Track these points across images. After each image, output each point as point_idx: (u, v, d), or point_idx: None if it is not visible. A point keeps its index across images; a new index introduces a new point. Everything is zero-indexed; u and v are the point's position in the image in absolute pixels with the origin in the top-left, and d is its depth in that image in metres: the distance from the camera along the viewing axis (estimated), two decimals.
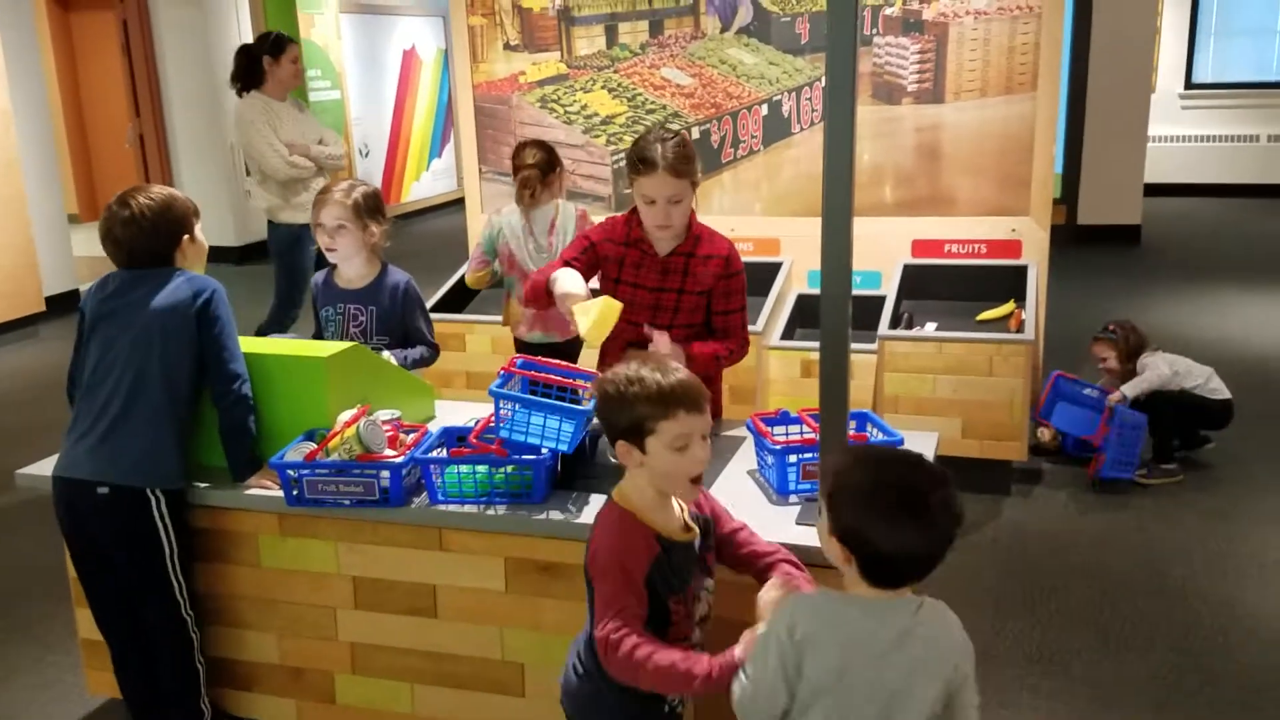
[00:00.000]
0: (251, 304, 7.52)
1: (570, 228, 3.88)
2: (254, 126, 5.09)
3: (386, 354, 3.03)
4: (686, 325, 2.87)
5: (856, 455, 1.80)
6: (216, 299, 2.48)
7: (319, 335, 3.15)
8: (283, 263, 5.29)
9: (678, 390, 1.88)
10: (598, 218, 2.93)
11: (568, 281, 2.66)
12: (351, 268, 3.11)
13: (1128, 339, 4.43)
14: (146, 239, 2.47)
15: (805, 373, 4.22)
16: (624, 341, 2.93)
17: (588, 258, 2.85)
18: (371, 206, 3.07)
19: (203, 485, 2.54)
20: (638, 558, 1.86)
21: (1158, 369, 4.33)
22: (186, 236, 2.55)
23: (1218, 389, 4.36)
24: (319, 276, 3.22)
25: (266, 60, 5.14)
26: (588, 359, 3.19)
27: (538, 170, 3.83)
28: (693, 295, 2.83)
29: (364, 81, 10.57)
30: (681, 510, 1.97)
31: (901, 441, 2.41)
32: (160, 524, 2.44)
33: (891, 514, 1.67)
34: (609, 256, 2.85)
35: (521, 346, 3.92)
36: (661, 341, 2.72)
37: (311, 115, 5.46)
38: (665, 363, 1.94)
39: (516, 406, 2.35)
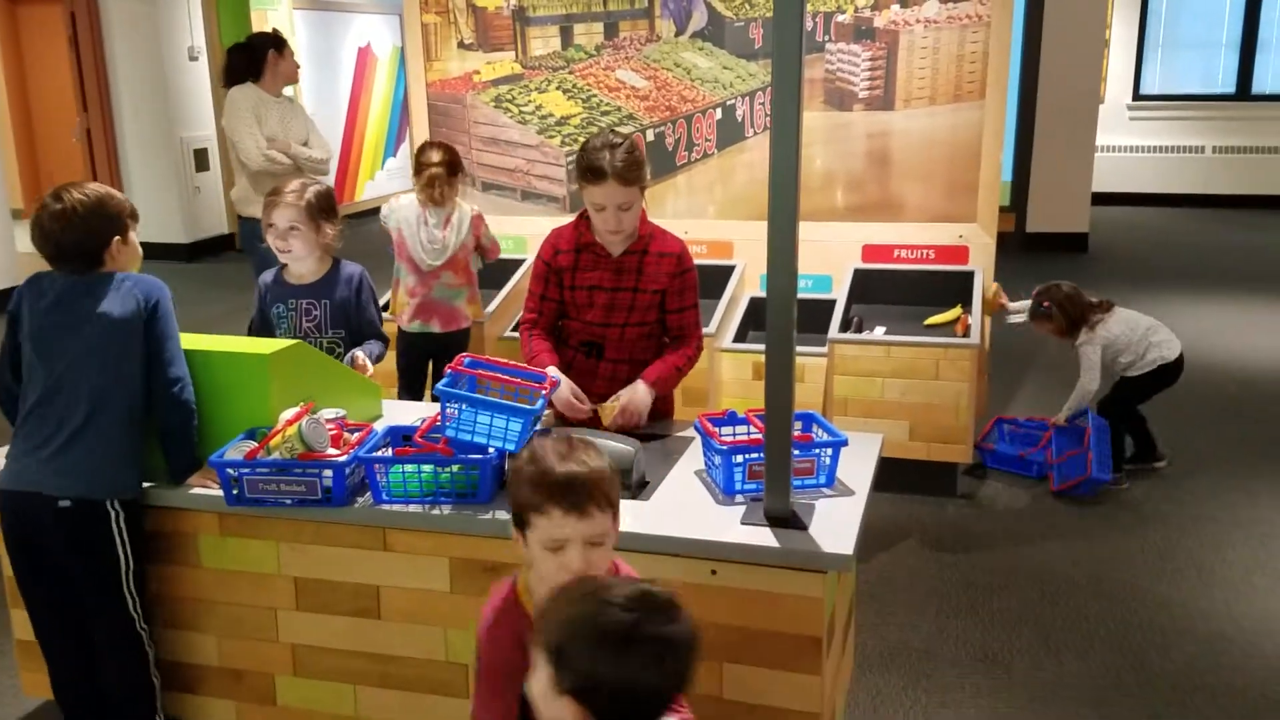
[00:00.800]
0: (202, 302, 7.41)
1: (465, 226, 4.06)
2: (239, 114, 5.12)
3: (360, 354, 3.01)
4: (640, 323, 2.90)
5: (580, 593, 1.49)
6: (164, 305, 2.44)
7: (268, 334, 3.11)
8: (253, 257, 5.23)
9: (562, 484, 1.70)
10: (549, 220, 2.94)
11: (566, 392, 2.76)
12: (304, 266, 3.09)
13: (1061, 308, 4.33)
14: (76, 234, 2.39)
15: (756, 375, 4.25)
16: (578, 341, 2.94)
17: (553, 286, 2.90)
18: (324, 206, 3.05)
19: (144, 485, 2.50)
20: (503, 649, 1.76)
21: (1087, 373, 4.23)
22: (118, 238, 2.46)
23: (1155, 357, 4.24)
24: (267, 275, 3.18)
25: (271, 55, 5.17)
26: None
27: (444, 170, 4.02)
28: (647, 294, 2.86)
29: (318, 79, 10.46)
30: None
31: (846, 442, 2.43)
32: (118, 537, 2.40)
33: (631, 652, 1.41)
34: (564, 267, 2.87)
35: (403, 336, 4.15)
36: (633, 395, 2.78)
37: (305, 117, 5.41)
38: (586, 446, 1.79)
39: (463, 405, 2.34)
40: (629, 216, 2.76)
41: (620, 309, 2.86)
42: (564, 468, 1.73)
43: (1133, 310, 4.43)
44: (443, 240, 4.05)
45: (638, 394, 2.79)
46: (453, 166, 4.07)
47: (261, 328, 3.18)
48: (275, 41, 5.24)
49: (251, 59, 5.20)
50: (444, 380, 2.41)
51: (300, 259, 3.06)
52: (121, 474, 2.41)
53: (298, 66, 5.41)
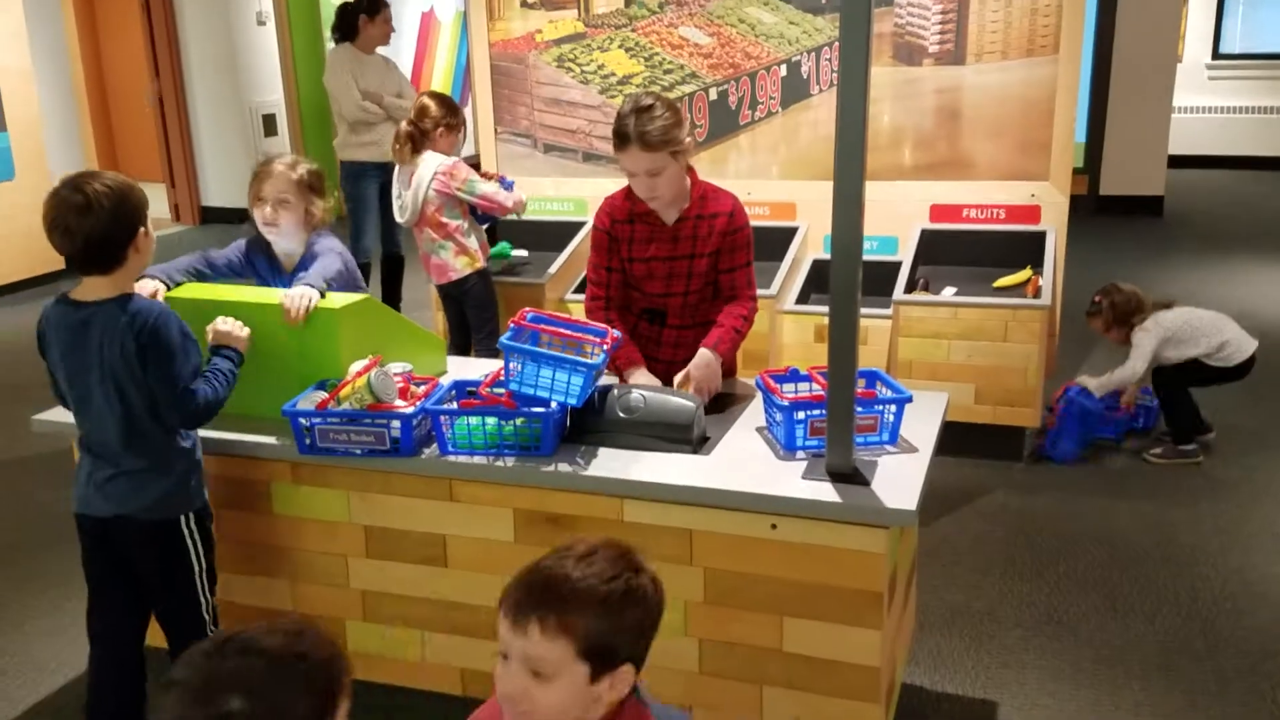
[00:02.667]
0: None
1: (426, 183, 4.15)
2: (336, 73, 5.80)
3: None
4: (702, 288, 2.86)
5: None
6: (164, 336, 2.25)
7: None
8: (347, 195, 5.87)
9: (511, 592, 1.41)
10: (612, 182, 2.91)
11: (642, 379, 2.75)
12: (289, 243, 2.89)
13: (1113, 306, 4.22)
14: (103, 228, 2.21)
15: (819, 337, 4.21)
16: (640, 308, 2.93)
17: (615, 256, 2.84)
18: (315, 184, 2.89)
19: (217, 434, 2.56)
20: None
21: (1135, 359, 4.10)
22: (142, 229, 2.28)
23: (1230, 354, 4.10)
24: (253, 249, 2.94)
25: (362, 19, 5.74)
26: None
27: (410, 127, 4.21)
28: (704, 258, 2.81)
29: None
30: None
31: (910, 398, 2.41)
32: (190, 543, 2.40)
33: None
34: (620, 237, 2.83)
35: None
36: (704, 370, 2.72)
37: (399, 74, 6.03)
38: (572, 548, 1.45)
39: (526, 360, 2.36)
40: (662, 182, 2.68)
41: (680, 277, 2.83)
42: (530, 577, 1.43)
43: (1198, 308, 4.26)
44: (406, 199, 4.21)
45: (708, 365, 2.72)
46: (423, 123, 4.21)
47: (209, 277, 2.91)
48: (368, 7, 5.78)
49: (346, 19, 5.83)
50: (507, 334, 2.43)
51: (286, 235, 2.86)
52: (186, 489, 2.38)
53: (391, 30, 5.93)
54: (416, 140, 4.21)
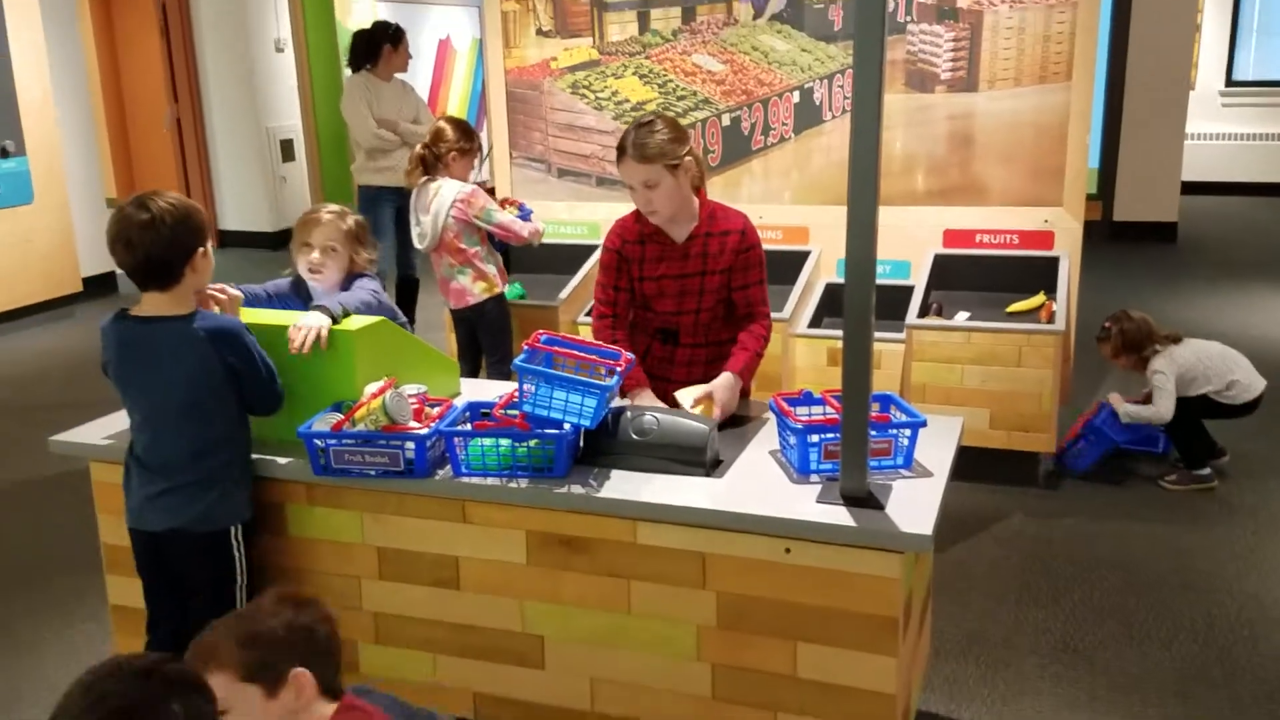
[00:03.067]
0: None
1: (445, 210, 4.17)
2: (352, 101, 5.87)
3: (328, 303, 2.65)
4: (714, 306, 2.89)
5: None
6: (240, 341, 2.40)
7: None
8: (370, 218, 5.89)
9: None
10: (625, 207, 2.93)
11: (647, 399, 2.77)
12: (331, 289, 2.89)
13: (1122, 333, 4.23)
14: (164, 247, 2.30)
15: (832, 361, 4.21)
16: (653, 328, 2.95)
17: (624, 275, 2.89)
18: (361, 235, 2.96)
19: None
20: None
21: (1163, 401, 4.07)
22: (201, 250, 2.38)
23: (1239, 393, 4.11)
24: (283, 285, 2.99)
25: (386, 48, 5.86)
26: None
27: (424, 151, 4.24)
28: (715, 275, 2.85)
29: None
30: None
31: (924, 422, 2.41)
32: (236, 555, 2.47)
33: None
34: (631, 258, 2.88)
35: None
36: (727, 393, 2.72)
37: (416, 97, 6.12)
38: (286, 606, 1.77)
39: (539, 381, 2.37)
40: (659, 195, 2.74)
41: (691, 294, 2.86)
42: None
43: (1205, 341, 4.27)
44: (425, 225, 4.24)
45: (731, 388, 2.74)
46: (436, 148, 4.23)
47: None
48: (393, 36, 5.91)
49: (370, 47, 5.90)
50: (521, 356, 2.44)
51: (330, 282, 2.89)
52: (235, 502, 2.47)
53: (410, 57, 6.07)
54: (429, 164, 4.25)
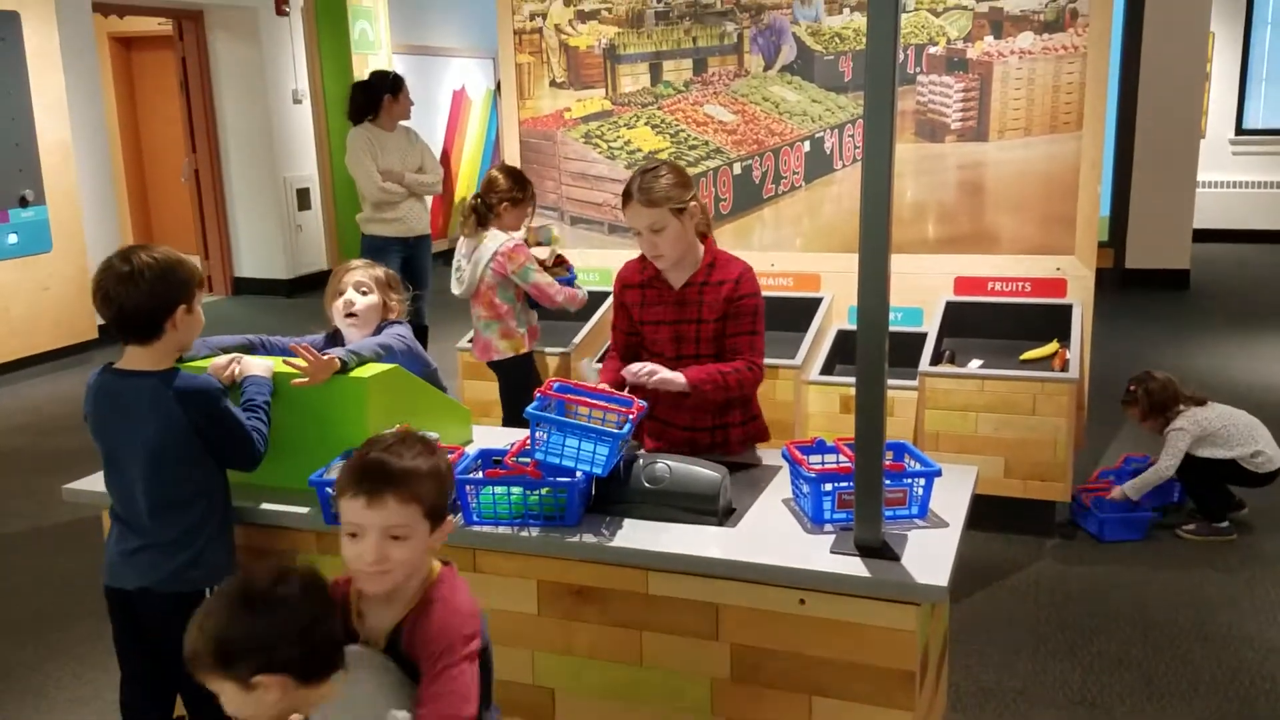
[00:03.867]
0: (303, 335, 7.64)
1: (485, 261, 4.17)
2: (356, 155, 5.88)
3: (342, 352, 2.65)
4: (711, 354, 2.84)
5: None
6: (213, 407, 2.34)
7: None
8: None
9: (357, 471, 1.79)
10: (636, 254, 2.94)
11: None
12: (364, 335, 2.91)
13: (1148, 395, 4.21)
14: (141, 299, 2.27)
15: (844, 408, 4.20)
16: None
17: (625, 319, 2.94)
18: (393, 283, 2.99)
19: (243, 504, 2.57)
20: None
21: (1169, 458, 4.05)
22: (184, 306, 2.32)
23: (1263, 463, 4.05)
24: (320, 341, 2.96)
25: (387, 99, 5.89)
26: None
27: (477, 200, 4.24)
28: (710, 324, 2.82)
29: (414, 119, 10.72)
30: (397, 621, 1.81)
31: (939, 472, 2.39)
32: None
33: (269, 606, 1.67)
34: (632, 303, 2.92)
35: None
36: (640, 369, 2.71)
37: (420, 145, 6.14)
38: (420, 444, 1.85)
39: (551, 429, 2.36)
40: (664, 240, 2.76)
41: (687, 341, 2.84)
42: (372, 455, 1.80)
43: (1233, 409, 4.21)
44: (465, 272, 4.24)
45: (664, 375, 2.70)
46: (489, 198, 4.21)
47: None
48: (392, 86, 5.91)
49: (369, 98, 5.92)
50: (534, 404, 2.44)
51: (364, 324, 2.91)
52: (210, 564, 2.39)
53: (411, 104, 6.08)
54: (481, 214, 4.21)
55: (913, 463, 2.46)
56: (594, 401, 2.49)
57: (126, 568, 2.38)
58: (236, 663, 1.62)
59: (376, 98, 5.90)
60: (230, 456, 2.42)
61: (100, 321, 7.42)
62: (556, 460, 2.35)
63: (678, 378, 2.73)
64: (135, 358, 2.35)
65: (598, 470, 2.34)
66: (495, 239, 4.19)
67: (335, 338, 2.97)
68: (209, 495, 2.42)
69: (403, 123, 6.06)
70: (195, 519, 2.38)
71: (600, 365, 2.78)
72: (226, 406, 2.38)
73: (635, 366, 2.73)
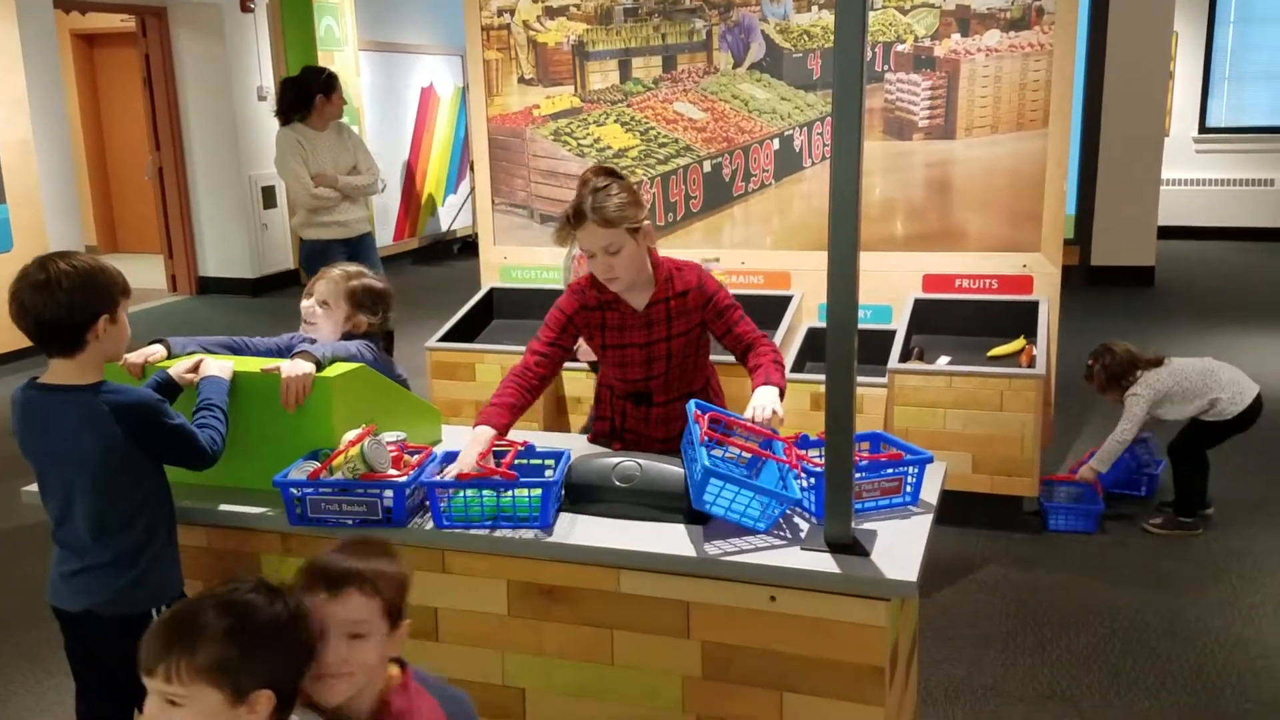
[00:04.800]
0: (268, 335, 7.57)
1: (567, 258, 3.99)
2: (284, 158, 5.52)
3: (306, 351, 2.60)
4: (681, 365, 2.79)
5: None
6: (152, 420, 2.23)
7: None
8: (309, 275, 5.60)
9: (318, 569, 1.76)
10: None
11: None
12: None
13: (1104, 368, 4.22)
14: (57, 310, 2.14)
15: (815, 405, 4.20)
16: (623, 393, 2.86)
17: (567, 336, 2.77)
18: (364, 300, 2.91)
19: (206, 506, 2.53)
20: None
21: (1125, 424, 4.07)
22: (105, 316, 2.18)
23: (1225, 408, 4.03)
24: (296, 339, 2.92)
25: (319, 98, 5.51)
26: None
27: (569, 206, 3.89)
28: (681, 338, 2.75)
29: (382, 118, 10.68)
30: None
31: (931, 459, 2.43)
32: None
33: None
34: (589, 324, 2.77)
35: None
36: (763, 406, 2.55)
37: (355, 143, 5.77)
38: (374, 543, 1.84)
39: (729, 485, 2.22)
40: (620, 262, 2.61)
41: (659, 359, 2.77)
42: (336, 554, 1.79)
43: (1189, 358, 4.22)
44: (563, 269, 4.09)
45: (770, 399, 2.57)
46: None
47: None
48: (325, 85, 5.53)
49: (300, 96, 5.53)
50: (686, 437, 2.36)
51: (321, 334, 2.88)
52: (155, 583, 2.31)
53: (344, 103, 5.69)
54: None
55: (886, 449, 2.48)
56: (754, 446, 2.38)
57: (68, 589, 2.29)
58: (241, 674, 1.54)
59: (308, 96, 5.51)
60: (179, 460, 2.31)
61: None
62: (721, 512, 2.22)
63: (774, 396, 2.58)
64: (60, 371, 2.21)
65: (760, 527, 2.23)
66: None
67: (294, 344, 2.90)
68: (153, 508, 2.31)
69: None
70: (139, 537, 2.27)
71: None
72: (166, 416, 2.25)
73: (762, 414, 2.50)
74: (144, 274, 9.81)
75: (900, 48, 4.40)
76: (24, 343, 2.37)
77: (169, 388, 2.46)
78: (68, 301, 2.14)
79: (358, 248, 5.73)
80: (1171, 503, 4.21)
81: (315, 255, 5.50)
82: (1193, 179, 10.77)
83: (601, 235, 2.59)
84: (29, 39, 7.20)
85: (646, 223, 2.67)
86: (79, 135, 10.63)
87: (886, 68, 4.43)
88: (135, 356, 2.54)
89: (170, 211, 9.41)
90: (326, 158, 5.56)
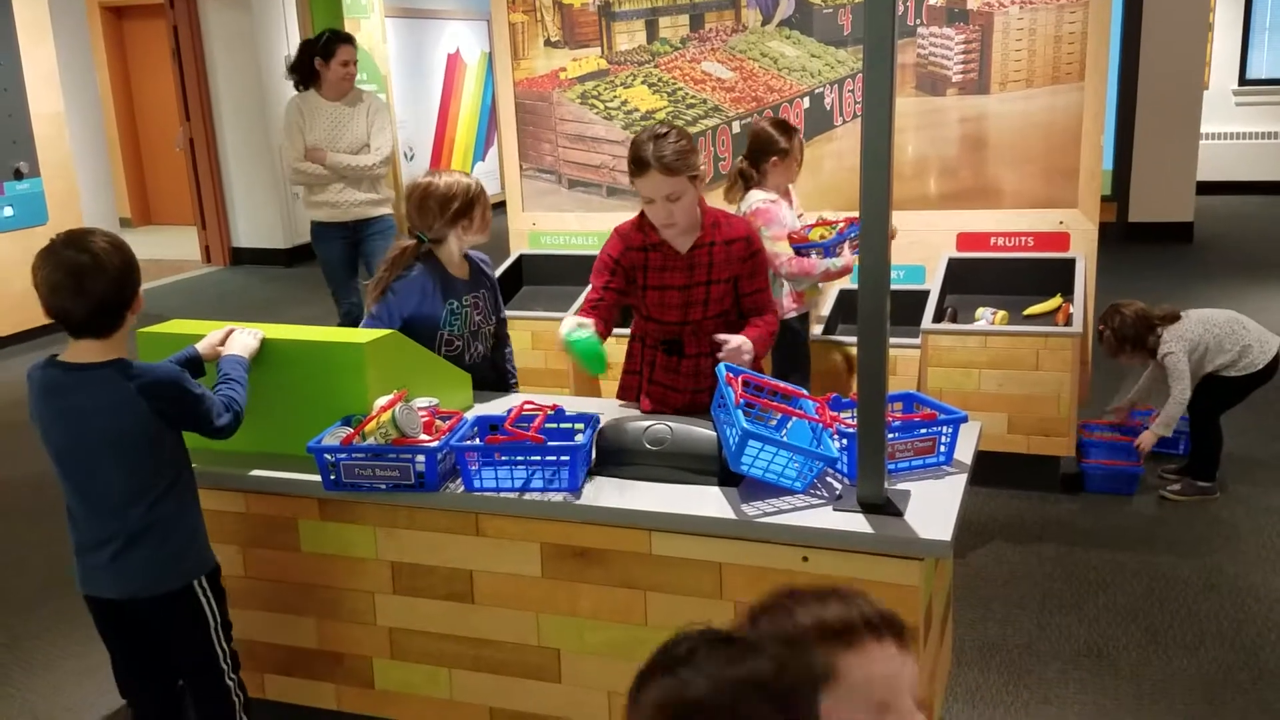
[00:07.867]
0: (299, 304, 7.63)
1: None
2: (284, 127, 5.31)
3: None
4: (717, 315, 2.86)
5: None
6: (179, 395, 2.21)
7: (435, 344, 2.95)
8: (315, 256, 5.54)
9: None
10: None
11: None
12: (454, 263, 3.04)
13: (1114, 331, 4.08)
14: (108, 287, 2.11)
15: (848, 367, 4.17)
16: (656, 340, 2.92)
17: (617, 279, 2.85)
18: (461, 210, 2.96)
19: (242, 471, 2.56)
20: None
21: (1178, 383, 3.92)
22: (140, 289, 2.21)
23: (1256, 359, 3.90)
24: (414, 283, 2.93)
25: (317, 61, 5.15)
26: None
27: (746, 165, 3.71)
28: (721, 284, 2.83)
29: (409, 85, 10.64)
30: None
31: (965, 418, 2.42)
32: (204, 601, 2.33)
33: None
34: (634, 265, 2.85)
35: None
36: (736, 342, 2.68)
37: (376, 118, 5.29)
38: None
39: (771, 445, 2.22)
40: (680, 208, 2.72)
41: (696, 304, 2.84)
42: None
43: (1205, 309, 4.11)
44: None
45: (744, 340, 2.70)
46: (755, 157, 3.65)
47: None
48: (322, 49, 5.12)
49: (301, 62, 5.20)
50: (716, 401, 2.38)
51: (454, 261, 3.03)
52: (194, 555, 2.32)
53: (350, 73, 5.20)
54: (747, 177, 3.69)
55: (920, 409, 2.46)
56: (780, 405, 2.39)
57: (107, 576, 2.26)
58: None
59: (310, 62, 5.13)
60: (199, 428, 2.27)
61: None
62: (760, 474, 2.22)
63: (745, 344, 2.68)
64: (85, 350, 2.17)
65: (798, 486, 2.24)
66: (751, 199, 3.68)
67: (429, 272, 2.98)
68: (183, 481, 2.31)
69: (363, 87, 5.31)
70: (166, 514, 2.25)
71: (589, 323, 2.68)
72: (190, 389, 2.24)
73: (732, 346, 2.64)
74: (178, 246, 9.89)
75: (932, 1, 4.32)
76: (30, 324, 2.34)
77: (194, 363, 2.48)
78: (119, 278, 2.12)
79: (362, 234, 5.31)
80: (1185, 468, 4.14)
81: (314, 237, 5.32)
82: (1232, 132, 10.53)
83: (664, 183, 2.68)
84: (58, 12, 7.23)
85: (704, 167, 2.74)
86: (110, 108, 10.69)
87: (919, 22, 4.35)
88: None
89: (202, 183, 9.46)
90: (323, 131, 5.15)
